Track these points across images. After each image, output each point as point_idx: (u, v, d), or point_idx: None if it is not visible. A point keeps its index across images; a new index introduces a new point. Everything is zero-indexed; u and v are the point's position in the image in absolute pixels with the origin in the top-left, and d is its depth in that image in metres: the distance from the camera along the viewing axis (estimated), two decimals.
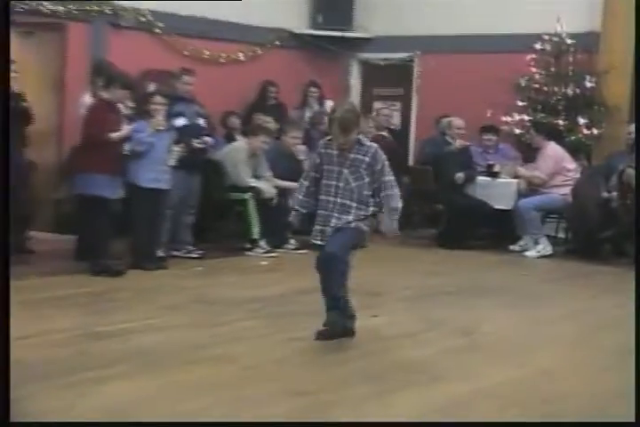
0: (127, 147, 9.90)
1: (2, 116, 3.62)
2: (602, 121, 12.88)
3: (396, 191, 6.36)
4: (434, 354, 6.98)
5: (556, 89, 13.00)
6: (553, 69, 13.05)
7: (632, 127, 11.93)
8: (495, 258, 11.68)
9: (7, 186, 4.00)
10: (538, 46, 12.98)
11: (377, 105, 15.36)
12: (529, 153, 12.55)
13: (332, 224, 6.26)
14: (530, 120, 12.98)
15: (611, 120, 12.82)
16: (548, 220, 12.16)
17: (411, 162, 14.31)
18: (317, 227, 6.35)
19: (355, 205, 6.22)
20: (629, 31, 12.71)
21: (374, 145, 6.39)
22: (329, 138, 6.38)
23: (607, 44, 13.01)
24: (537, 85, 13.11)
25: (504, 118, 13.04)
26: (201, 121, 10.84)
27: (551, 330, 8.09)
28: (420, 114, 14.89)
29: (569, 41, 12.90)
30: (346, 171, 6.20)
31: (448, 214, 12.47)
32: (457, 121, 12.44)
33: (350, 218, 6.24)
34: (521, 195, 12.03)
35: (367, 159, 6.20)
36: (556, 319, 8.46)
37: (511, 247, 11.89)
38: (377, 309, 8.51)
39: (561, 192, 11.86)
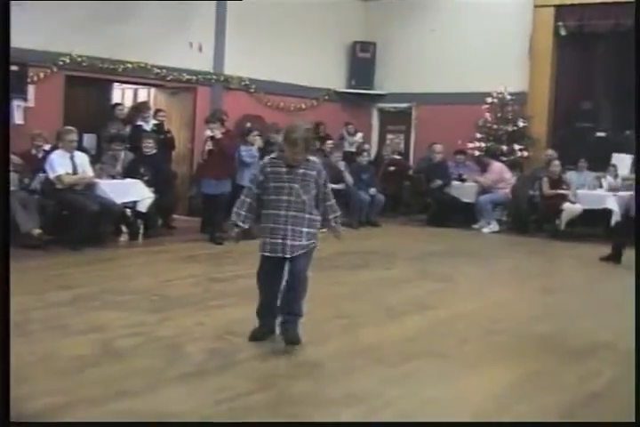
0: (241, 160, 10.93)
1: (2, 116, 3.20)
2: (530, 147, 14.24)
3: (334, 200, 5.39)
4: (425, 292, 7.40)
5: (501, 127, 14.21)
6: (499, 115, 14.27)
7: (549, 151, 13.21)
8: (464, 233, 12.52)
9: (7, 185, 3.46)
10: (489, 100, 14.23)
11: (389, 136, 16.69)
12: (483, 167, 13.43)
13: (291, 237, 5.08)
14: (485, 146, 14.17)
15: (535, 147, 14.21)
16: (496, 209, 13.02)
17: (411, 172, 15.00)
18: (273, 240, 5.09)
19: (307, 216, 5.14)
20: (546, 91, 14.34)
21: (318, 160, 5.38)
22: (273, 156, 5.28)
23: (532, 99, 14.47)
24: (489, 124, 14.30)
25: (469, 145, 14.24)
26: None
27: (500, 277, 8.78)
28: (416, 142, 16.02)
29: (509, 97, 14.17)
30: (296, 186, 5.07)
31: (434, 205, 13.51)
32: (438, 146, 13.73)
33: (304, 230, 5.11)
34: (479, 193, 13.08)
35: (314, 173, 5.16)
36: (503, 270, 9.26)
37: (473, 226, 12.86)
38: (390, 264, 9.14)
39: (504, 191, 12.94)
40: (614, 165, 12.90)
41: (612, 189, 12.22)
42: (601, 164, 13.09)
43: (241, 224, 5.27)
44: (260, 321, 5.36)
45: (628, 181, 12.28)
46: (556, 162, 12.40)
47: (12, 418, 2.95)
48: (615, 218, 11.50)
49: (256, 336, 5.32)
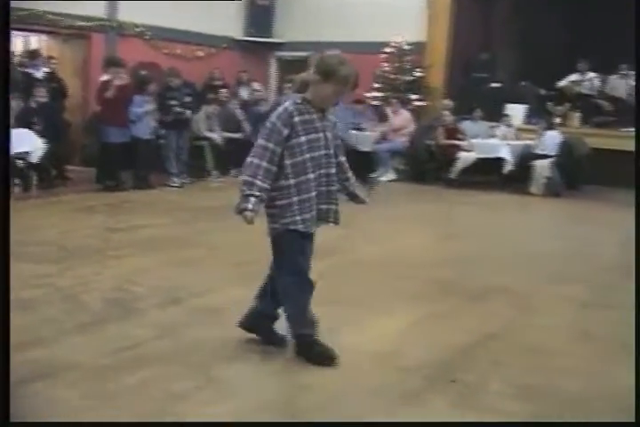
0: (134, 110, 10.76)
1: (2, 116, 3.17)
2: (427, 97, 14.29)
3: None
4: (327, 239, 6.97)
5: (399, 77, 14.23)
6: (397, 64, 14.28)
7: (445, 101, 13.38)
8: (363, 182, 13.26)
9: (7, 184, 3.33)
10: (388, 50, 14.25)
11: (288, 85, 14.92)
12: (381, 116, 13.77)
13: (326, 201, 4.03)
14: (382, 96, 14.17)
15: (432, 97, 14.25)
16: (394, 158, 13.21)
17: None
18: (306, 214, 3.90)
19: (336, 177, 4.04)
20: (444, 41, 14.37)
21: None
22: (298, 101, 3.87)
23: (430, 49, 14.47)
24: (387, 74, 14.28)
25: (367, 94, 14.04)
26: (187, 98, 11.56)
27: (400, 224, 8.90)
28: None
29: (407, 46, 14.23)
30: (330, 136, 3.91)
31: None
32: None
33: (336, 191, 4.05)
34: (377, 142, 13.27)
35: (334, 119, 4.06)
36: (402, 217, 9.36)
37: (371, 175, 12.58)
38: None
39: (402, 140, 13.19)
40: (508, 116, 13.18)
41: (506, 138, 12.53)
42: (495, 114, 13.38)
43: (256, 200, 3.77)
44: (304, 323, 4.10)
45: (521, 131, 12.68)
46: (446, 112, 12.64)
47: (12, 418, 2.94)
48: (508, 166, 11.88)
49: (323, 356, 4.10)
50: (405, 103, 13.91)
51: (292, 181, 3.88)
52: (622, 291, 6.12)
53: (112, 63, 10.88)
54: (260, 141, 3.86)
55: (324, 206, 4.02)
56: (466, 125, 13.02)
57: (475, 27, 14.91)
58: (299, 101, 3.90)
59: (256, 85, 14.75)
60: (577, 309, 5.52)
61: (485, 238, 8.16)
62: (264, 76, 16.41)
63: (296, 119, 3.85)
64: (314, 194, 3.93)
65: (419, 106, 14.20)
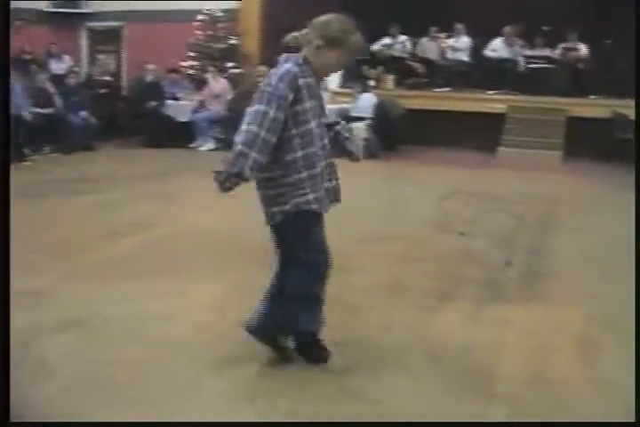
0: None
1: (2, 115, 3.08)
2: (243, 64, 14.16)
3: None
4: (147, 212, 7.37)
5: (213, 45, 14.06)
6: (211, 32, 14.11)
7: (261, 68, 12.53)
8: (183, 152, 12.39)
9: (7, 183, 3.20)
10: (200, 18, 14.07)
11: (100, 57, 16.18)
12: (197, 85, 13.66)
13: (335, 177, 3.60)
14: (198, 65, 14.00)
15: (247, 63, 14.11)
16: (212, 126, 12.99)
17: (124, 94, 15.03)
18: (318, 192, 3.44)
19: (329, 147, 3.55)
20: (256, 7, 14.35)
21: None
22: (300, 62, 3.36)
23: (243, 17, 14.45)
24: (201, 42, 14.10)
25: (182, 63, 14.03)
26: None
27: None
28: (128, 62, 15.66)
29: (219, 14, 14.08)
30: (323, 102, 3.56)
31: (151, 126, 13.06)
32: (150, 66, 13.46)
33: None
34: (194, 111, 13.07)
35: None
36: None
37: (190, 145, 12.80)
38: (110, 187, 8.95)
39: (219, 109, 12.95)
40: (323, 80, 13.23)
41: None
42: None
43: (247, 175, 3.25)
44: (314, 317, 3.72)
45: (337, 95, 12.82)
46: (260, 79, 12.23)
47: (12, 418, 2.81)
48: None
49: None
50: (221, 71, 13.80)
51: (299, 154, 3.37)
52: (437, 244, 6.35)
53: None
54: (259, 107, 3.25)
55: (327, 184, 3.52)
56: None
57: None
58: (300, 62, 3.37)
59: (66, 58, 14.35)
60: (393, 264, 5.62)
61: None
62: (75, 47, 15.99)
63: (300, 82, 3.32)
64: (321, 168, 3.45)
65: (235, 73, 14.09)
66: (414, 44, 14.71)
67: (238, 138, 3.25)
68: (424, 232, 6.79)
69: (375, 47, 14.52)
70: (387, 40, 14.58)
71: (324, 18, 3.47)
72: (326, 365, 3.73)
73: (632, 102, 12.22)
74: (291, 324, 3.64)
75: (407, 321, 4.45)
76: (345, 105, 12.52)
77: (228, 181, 3.23)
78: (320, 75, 3.47)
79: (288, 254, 3.57)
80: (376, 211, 7.71)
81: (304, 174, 3.38)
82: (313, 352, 3.73)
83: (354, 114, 12.17)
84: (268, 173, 3.39)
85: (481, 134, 12.50)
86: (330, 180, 3.54)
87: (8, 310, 2.94)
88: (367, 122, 12.02)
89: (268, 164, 3.31)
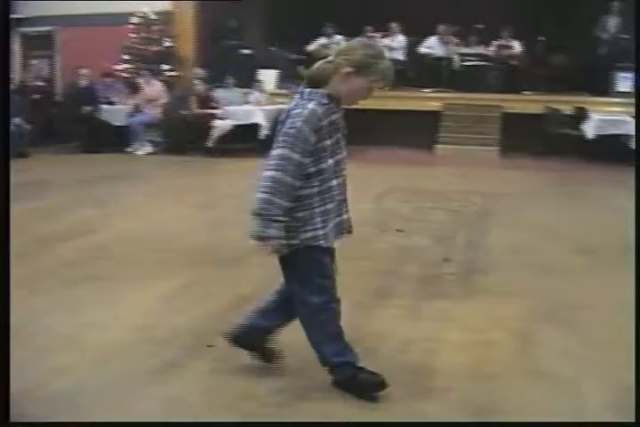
0: None
1: (2, 114, 3.08)
2: (178, 67, 14.19)
3: None
4: (84, 218, 7.45)
5: (147, 47, 14.00)
6: (145, 35, 14.06)
7: (196, 69, 13.24)
8: (120, 157, 12.29)
9: (7, 182, 3.15)
10: (134, 20, 14.03)
11: (33, 62, 15.93)
12: (132, 89, 13.53)
13: (345, 211, 3.48)
14: (132, 68, 13.88)
15: (183, 66, 14.16)
16: (148, 130, 12.89)
17: (58, 99, 14.77)
18: (326, 226, 3.33)
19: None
20: (191, 9, 14.38)
21: None
22: (325, 101, 3.21)
23: (178, 19, 14.46)
24: (135, 45, 14.02)
25: (117, 67, 13.92)
26: None
27: (158, 197, 8.71)
28: (62, 67, 15.48)
29: (153, 16, 14.07)
30: (341, 137, 3.36)
31: (86, 131, 12.96)
32: (84, 70, 13.24)
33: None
34: (129, 115, 12.89)
35: None
36: (160, 190, 9.14)
37: (127, 149, 12.67)
38: (45, 194, 8.94)
39: (154, 112, 12.88)
40: (260, 81, 13.27)
41: (259, 103, 12.63)
42: (248, 80, 13.46)
43: (280, 224, 3.19)
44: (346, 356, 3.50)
45: (274, 96, 12.79)
46: (198, 81, 12.55)
47: (12, 418, 2.79)
48: (264, 131, 11.95)
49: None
50: (156, 74, 13.72)
51: (315, 190, 3.27)
52: (376, 242, 6.33)
53: None
54: (283, 151, 3.15)
55: (338, 218, 3.41)
56: (219, 93, 12.96)
57: None
58: (325, 101, 3.21)
59: None
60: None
61: (243, 204, 8.14)
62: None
63: (324, 122, 3.19)
64: (335, 203, 3.36)
65: (170, 76, 14.06)
66: None
67: (262, 184, 3.15)
68: (362, 230, 6.65)
69: (311, 47, 14.50)
70: (322, 40, 14.57)
71: (350, 44, 3.32)
72: (270, 368, 3.70)
73: (565, 98, 12.46)
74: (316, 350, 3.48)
75: (346, 319, 4.40)
76: (282, 106, 12.39)
77: (263, 228, 3.17)
78: (347, 103, 3.32)
79: (295, 287, 3.45)
80: None
81: (317, 210, 3.29)
82: (359, 382, 3.45)
83: None
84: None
85: (418, 132, 12.58)
86: (340, 214, 3.42)
87: (8, 310, 2.93)
88: None
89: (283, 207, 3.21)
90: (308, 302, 3.38)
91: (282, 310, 3.59)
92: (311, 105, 3.18)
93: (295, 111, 3.18)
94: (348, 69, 3.21)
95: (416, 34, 14.22)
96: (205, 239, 6.42)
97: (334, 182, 3.32)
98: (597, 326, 4.44)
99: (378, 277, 5.37)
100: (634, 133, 11.56)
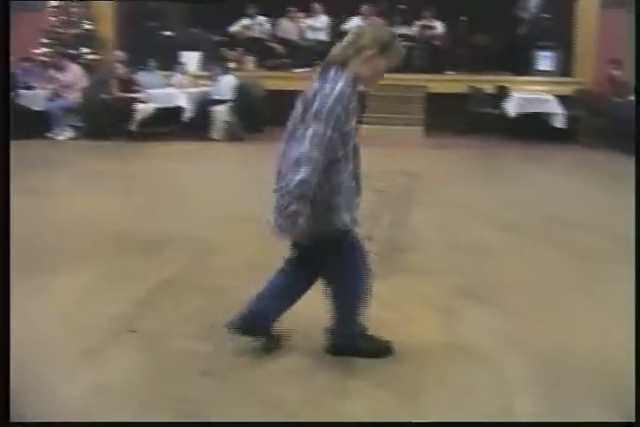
0: None
1: (2, 114, 3.11)
2: (99, 50, 13.80)
3: None
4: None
5: (67, 31, 13.57)
6: (64, 18, 13.60)
7: (117, 52, 12.78)
8: (40, 142, 11.83)
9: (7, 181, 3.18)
10: (53, 3, 13.62)
11: None
12: (51, 73, 12.77)
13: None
14: (52, 51, 13.26)
15: (104, 49, 13.75)
16: (68, 115, 12.43)
17: None
18: (351, 211, 3.41)
19: None
20: None
21: None
22: (352, 83, 3.27)
23: (97, 1, 14.01)
24: (55, 29, 13.55)
25: (36, 51, 13.27)
26: None
27: (82, 184, 8.55)
28: None
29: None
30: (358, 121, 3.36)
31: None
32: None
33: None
34: (49, 100, 12.43)
35: None
36: (83, 177, 8.92)
37: (48, 134, 12.25)
38: None
39: (74, 96, 12.51)
40: (182, 63, 13.12)
41: (182, 86, 12.47)
42: (170, 62, 13.23)
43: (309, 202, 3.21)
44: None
45: (197, 78, 12.66)
46: (119, 64, 12.31)
47: (12, 418, 2.78)
48: (187, 114, 11.91)
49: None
50: (76, 57, 13.40)
51: (345, 174, 3.33)
52: None
53: None
54: (317, 129, 3.16)
55: (357, 200, 3.50)
56: (141, 76, 12.71)
57: None
58: (350, 84, 3.25)
59: None
60: (256, 245, 5.59)
61: (166, 188, 8.18)
62: None
63: (352, 104, 3.24)
64: (355, 188, 3.45)
65: (91, 59, 13.72)
66: (273, 25, 14.62)
67: (297, 162, 3.17)
68: None
69: (234, 28, 14.36)
70: (245, 21, 14.44)
71: (370, 27, 3.52)
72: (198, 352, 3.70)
73: (487, 77, 12.60)
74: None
75: None
76: (206, 88, 12.35)
77: (292, 206, 3.17)
78: (369, 85, 3.41)
79: (331, 273, 3.55)
80: (240, 193, 7.62)
81: (343, 195, 3.33)
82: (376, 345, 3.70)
83: (215, 97, 12.04)
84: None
85: None
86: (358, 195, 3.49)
87: (8, 310, 2.91)
88: (228, 104, 11.90)
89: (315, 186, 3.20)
90: (346, 284, 3.52)
91: (286, 294, 3.67)
92: (340, 86, 3.21)
93: (324, 92, 3.19)
94: (372, 51, 3.30)
95: (339, 14, 14.13)
96: (127, 225, 6.33)
97: (351, 167, 3.37)
98: (519, 302, 4.50)
99: None
100: (554, 112, 11.80)
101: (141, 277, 4.87)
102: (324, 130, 3.15)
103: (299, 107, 3.30)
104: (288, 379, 3.45)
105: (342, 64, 3.29)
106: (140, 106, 11.93)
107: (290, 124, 3.32)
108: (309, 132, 3.17)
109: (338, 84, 3.21)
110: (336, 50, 3.34)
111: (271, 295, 3.65)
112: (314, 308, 3.69)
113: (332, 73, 3.25)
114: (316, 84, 3.28)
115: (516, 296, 4.61)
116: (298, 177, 3.14)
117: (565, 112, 11.84)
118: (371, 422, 3.14)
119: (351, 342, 3.64)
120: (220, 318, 3.86)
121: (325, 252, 3.46)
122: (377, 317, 3.85)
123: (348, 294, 3.56)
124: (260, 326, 3.66)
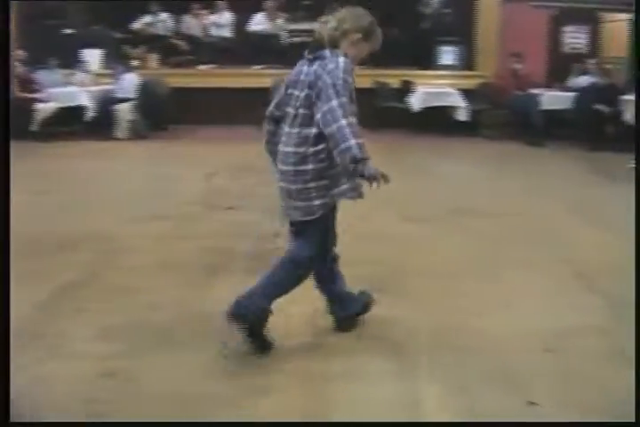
0: None
1: (2, 114, 3.18)
2: None
3: None
4: None
5: None
6: None
7: (17, 52, 12.17)
8: None
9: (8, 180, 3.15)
10: None
11: None
12: None
13: None
14: None
15: None
16: None
17: None
18: (350, 183, 3.58)
19: None
20: None
21: None
22: (348, 59, 3.42)
23: None
24: None
25: None
26: None
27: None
28: None
29: None
30: None
31: None
32: None
33: None
34: None
35: None
36: None
37: None
38: None
39: None
40: (84, 61, 12.89)
41: (84, 85, 12.24)
42: (71, 61, 12.98)
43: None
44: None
45: (99, 77, 12.45)
46: (16, 63, 11.94)
47: (12, 418, 2.77)
48: (90, 113, 11.78)
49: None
50: None
51: None
52: (207, 220, 6.36)
53: None
54: (340, 100, 3.28)
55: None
56: (41, 75, 12.40)
57: None
58: (348, 60, 3.42)
59: None
60: (162, 243, 5.55)
61: (78, 188, 8.01)
62: None
63: (353, 77, 3.41)
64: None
65: None
66: (177, 22, 14.46)
67: (348, 131, 3.24)
68: (193, 209, 6.79)
69: (136, 26, 14.14)
70: (148, 18, 14.23)
71: (353, 10, 3.57)
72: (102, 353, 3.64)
73: (393, 71, 12.70)
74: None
75: (179, 299, 4.38)
76: (108, 86, 12.14)
77: (366, 169, 3.31)
78: (354, 64, 3.52)
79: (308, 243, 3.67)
80: (144, 191, 7.61)
81: (341, 167, 3.41)
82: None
83: (118, 95, 11.86)
84: (314, 165, 3.44)
85: (251, 110, 12.45)
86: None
87: (8, 310, 2.89)
88: (132, 103, 11.75)
89: (319, 155, 3.40)
90: (308, 255, 3.66)
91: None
92: (342, 60, 3.37)
93: (329, 68, 3.33)
94: (358, 35, 3.51)
95: (242, 11, 14.07)
96: (35, 227, 6.17)
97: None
98: (427, 291, 4.57)
99: (210, 254, 5.33)
100: (458, 105, 11.98)
101: (47, 280, 4.76)
102: (346, 100, 3.28)
103: (294, 92, 3.45)
104: (200, 377, 3.40)
105: (333, 46, 3.46)
106: (40, 105, 11.62)
107: (291, 109, 3.44)
108: (333, 103, 3.28)
109: (339, 59, 3.37)
110: (323, 33, 3.47)
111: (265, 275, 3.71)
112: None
113: (327, 53, 3.40)
114: (312, 67, 3.41)
115: (425, 286, 4.67)
116: (351, 143, 3.24)
117: (469, 105, 12.03)
118: (371, 422, 3.13)
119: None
120: (123, 319, 3.81)
121: (312, 226, 3.63)
122: (286, 312, 3.84)
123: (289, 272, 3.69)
124: (248, 312, 3.54)
